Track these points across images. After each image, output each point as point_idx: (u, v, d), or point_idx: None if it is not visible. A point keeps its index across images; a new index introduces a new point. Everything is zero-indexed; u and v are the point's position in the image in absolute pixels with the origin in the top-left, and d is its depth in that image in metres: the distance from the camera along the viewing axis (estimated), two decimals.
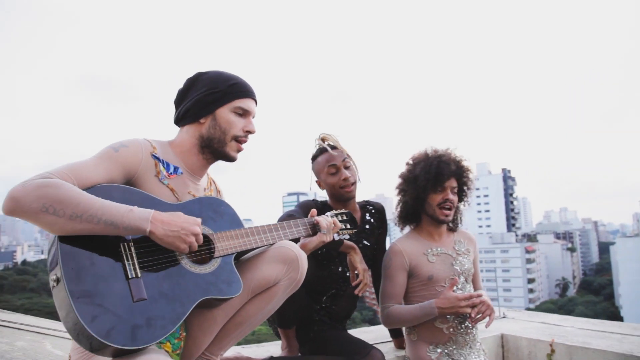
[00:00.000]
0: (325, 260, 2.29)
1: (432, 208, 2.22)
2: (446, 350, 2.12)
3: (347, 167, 2.31)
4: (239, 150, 1.67)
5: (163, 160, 1.55)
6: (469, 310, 2.01)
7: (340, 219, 1.97)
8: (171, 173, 1.56)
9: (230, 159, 1.67)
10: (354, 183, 2.31)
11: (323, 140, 2.36)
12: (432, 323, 2.12)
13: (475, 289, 2.40)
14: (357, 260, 2.19)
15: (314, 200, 2.37)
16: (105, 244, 1.28)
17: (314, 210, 1.85)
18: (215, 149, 1.63)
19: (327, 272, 2.30)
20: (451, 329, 2.12)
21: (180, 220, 1.35)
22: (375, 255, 2.47)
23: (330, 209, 2.33)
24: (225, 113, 1.62)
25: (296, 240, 1.77)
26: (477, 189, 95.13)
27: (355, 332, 2.97)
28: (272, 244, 1.64)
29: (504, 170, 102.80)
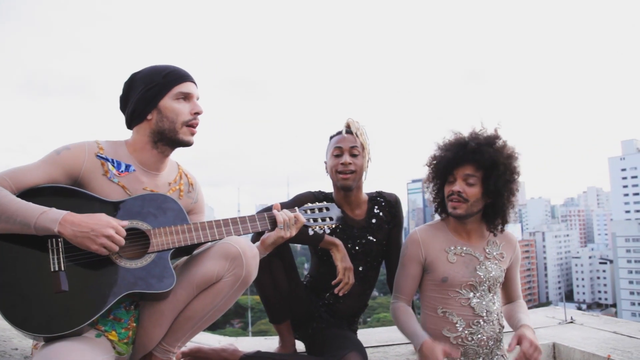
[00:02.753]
0: (326, 256, 2.19)
1: (445, 200, 1.98)
2: None
3: (353, 155, 2.17)
4: (193, 133, 1.69)
5: (112, 160, 1.62)
6: None
7: (316, 212, 1.86)
8: (122, 171, 1.63)
9: (186, 143, 1.69)
10: (353, 172, 2.15)
11: (348, 123, 2.24)
12: (440, 330, 1.90)
13: (507, 298, 2.11)
14: (338, 258, 2.07)
15: (315, 191, 2.28)
16: (35, 239, 1.40)
17: (276, 205, 1.78)
18: (170, 139, 1.66)
19: (329, 269, 2.20)
20: (459, 340, 1.87)
21: (92, 222, 1.40)
22: (388, 252, 2.29)
23: (331, 201, 2.23)
24: (168, 103, 1.64)
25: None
26: (624, 169, 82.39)
27: (375, 332, 2.83)
28: (220, 239, 1.63)
29: None
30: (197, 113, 1.68)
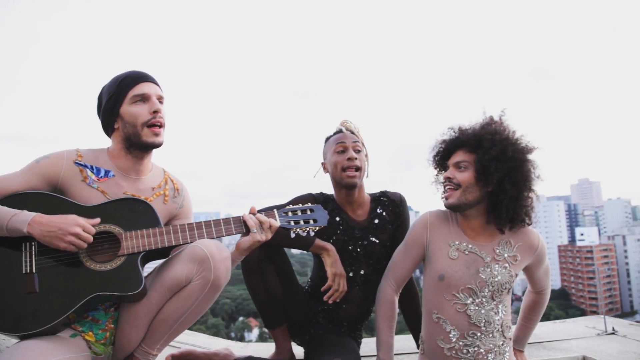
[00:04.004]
0: None
1: None
2: None
3: (357, 151, 2.10)
4: (156, 133, 1.70)
5: (92, 166, 1.69)
6: None
7: (299, 214, 1.81)
8: (101, 177, 1.69)
9: (151, 145, 1.71)
10: (359, 169, 2.07)
11: (343, 124, 2.21)
12: (435, 340, 1.75)
13: (530, 286, 1.93)
14: (328, 263, 2.00)
15: (316, 193, 2.23)
16: (10, 242, 1.48)
17: (252, 208, 1.76)
18: (137, 143, 1.70)
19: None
20: (453, 352, 1.71)
21: (60, 221, 1.46)
22: (391, 253, 2.18)
23: (333, 203, 2.17)
24: (126, 109, 1.68)
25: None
26: None
27: None
28: (191, 242, 1.63)
29: None
30: (156, 112, 1.69)
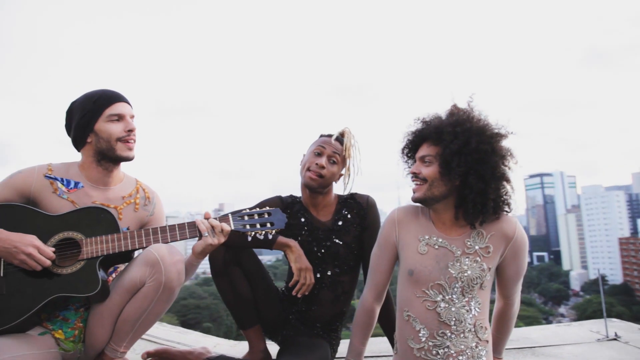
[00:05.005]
0: None
1: None
2: None
3: (331, 161, 2.12)
4: (129, 148, 1.85)
5: (62, 179, 1.83)
6: None
7: (255, 217, 1.86)
8: (71, 188, 1.83)
9: (125, 158, 1.85)
10: (322, 177, 2.10)
11: (344, 132, 2.20)
12: (405, 339, 1.71)
13: (498, 295, 1.84)
14: (292, 259, 2.04)
15: (286, 195, 2.28)
16: None
17: (206, 213, 1.82)
18: (110, 157, 1.83)
19: None
20: (423, 352, 1.66)
21: (16, 240, 1.60)
22: (363, 258, 2.18)
23: (300, 204, 2.21)
24: (101, 126, 1.80)
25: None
26: None
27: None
28: (146, 247, 1.72)
29: None
30: (130, 130, 1.83)
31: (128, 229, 1.87)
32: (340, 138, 2.17)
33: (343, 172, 2.19)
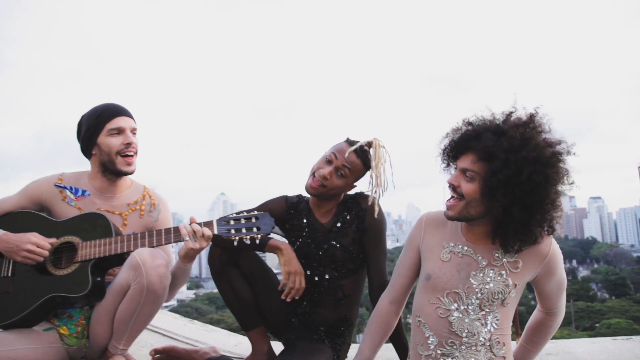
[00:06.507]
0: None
1: None
2: None
3: (339, 174, 2.01)
4: (128, 163, 1.96)
5: (71, 187, 2.00)
6: None
7: (241, 222, 1.86)
8: (78, 196, 2.00)
9: (123, 173, 1.98)
10: (324, 187, 2.01)
11: (371, 143, 2.05)
12: (416, 345, 1.64)
13: (540, 306, 1.68)
14: (282, 262, 1.99)
15: (294, 195, 2.25)
16: None
17: (191, 217, 1.86)
18: (111, 170, 1.97)
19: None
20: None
21: (17, 239, 1.78)
22: (367, 263, 2.08)
23: (306, 204, 2.18)
24: (103, 139, 1.95)
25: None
26: None
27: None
28: (133, 250, 1.81)
29: None
30: (129, 144, 1.94)
31: (133, 234, 1.99)
32: (360, 150, 2.01)
33: (357, 184, 2.10)
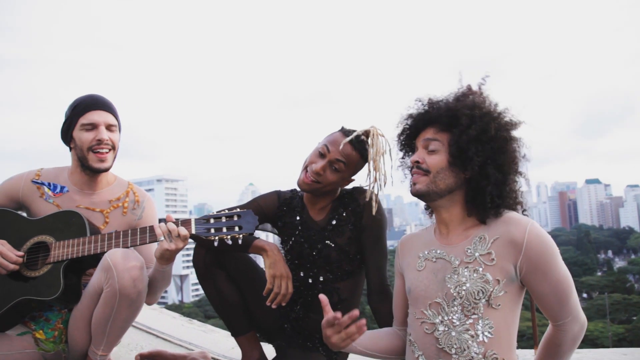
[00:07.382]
0: (290, 264, 1.98)
1: None
2: None
3: (333, 169, 1.83)
4: (100, 159, 1.83)
5: (49, 183, 1.89)
6: None
7: (222, 221, 1.70)
8: (57, 192, 1.88)
9: (95, 170, 1.85)
10: (317, 182, 1.83)
11: (369, 132, 1.83)
12: (411, 350, 1.48)
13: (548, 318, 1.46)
14: (267, 264, 1.83)
15: (287, 190, 2.09)
16: None
17: (168, 216, 1.72)
18: (85, 165, 1.85)
19: (296, 276, 1.98)
20: None
21: None
22: (359, 260, 1.91)
23: (300, 200, 2.01)
24: (77, 133, 1.83)
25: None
26: None
27: None
28: (107, 251, 1.69)
29: None
30: (100, 140, 1.81)
31: (107, 234, 1.87)
32: (356, 141, 1.82)
33: (354, 177, 1.92)
